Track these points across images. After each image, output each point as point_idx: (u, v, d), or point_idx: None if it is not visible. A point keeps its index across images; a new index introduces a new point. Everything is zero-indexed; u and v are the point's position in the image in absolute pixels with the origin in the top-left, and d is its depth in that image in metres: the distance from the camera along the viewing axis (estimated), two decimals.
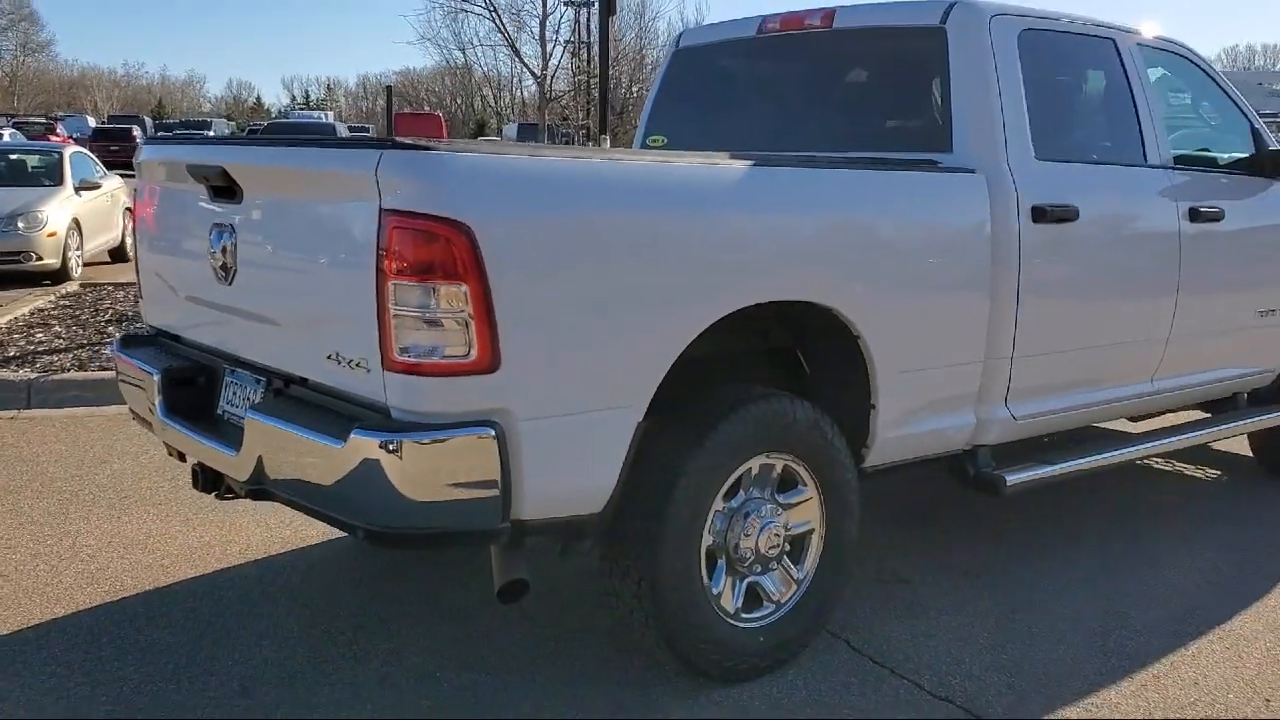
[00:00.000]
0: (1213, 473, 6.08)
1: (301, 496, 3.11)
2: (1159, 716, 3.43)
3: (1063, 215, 4.19)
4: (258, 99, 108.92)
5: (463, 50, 22.17)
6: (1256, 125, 5.31)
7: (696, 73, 5.17)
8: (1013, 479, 4.22)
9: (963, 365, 4.05)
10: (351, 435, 2.86)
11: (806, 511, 3.68)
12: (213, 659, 3.64)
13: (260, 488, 3.23)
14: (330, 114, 69.68)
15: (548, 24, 18.40)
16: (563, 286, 2.96)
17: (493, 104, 71.11)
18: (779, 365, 4.02)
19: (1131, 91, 4.70)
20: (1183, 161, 5.03)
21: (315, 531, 4.73)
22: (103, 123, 55.19)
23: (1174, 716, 3.44)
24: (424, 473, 2.86)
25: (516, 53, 20.78)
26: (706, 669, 3.47)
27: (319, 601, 4.15)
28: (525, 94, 62.14)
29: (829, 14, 4.64)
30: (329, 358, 3.07)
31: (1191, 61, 5.22)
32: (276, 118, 67.42)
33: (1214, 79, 5.29)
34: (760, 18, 4.92)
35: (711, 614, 3.44)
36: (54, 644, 3.73)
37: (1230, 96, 5.31)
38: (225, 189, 3.40)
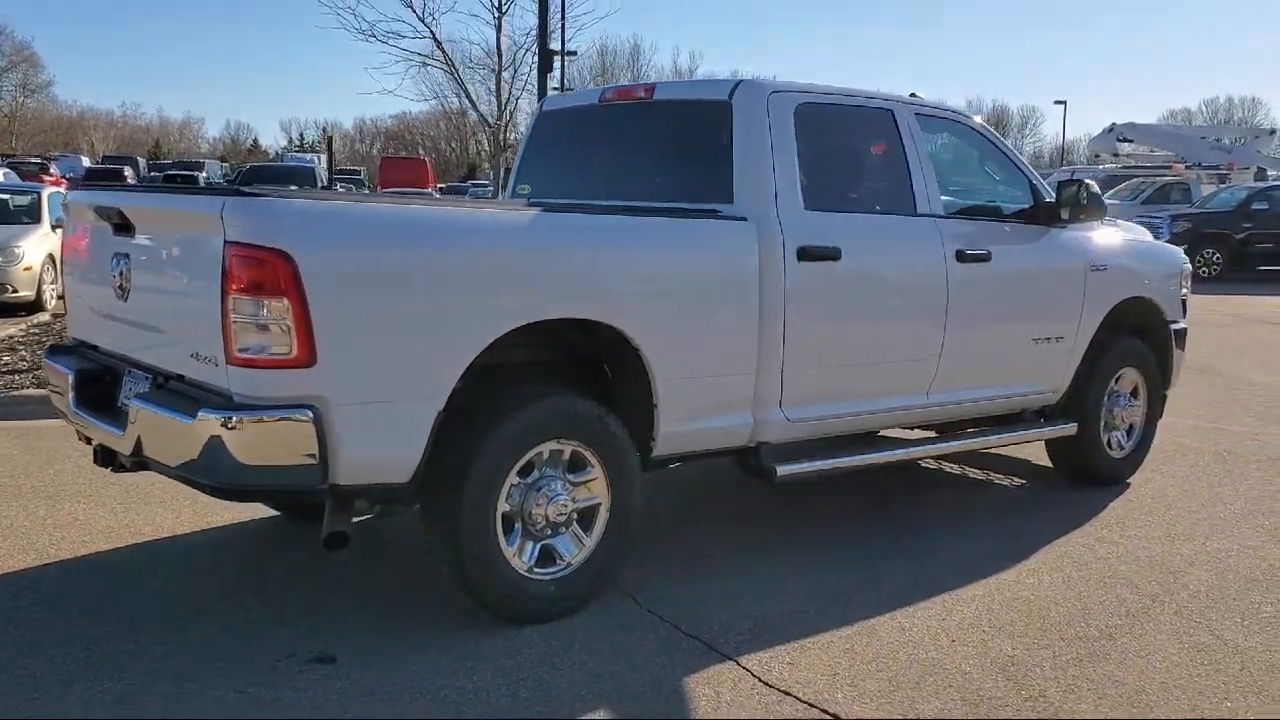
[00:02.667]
0: (1018, 480, 6.98)
1: (166, 463, 4.01)
2: (862, 653, 4.31)
3: (826, 255, 5.12)
4: (254, 141, 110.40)
5: (458, 97, 23.40)
6: (1034, 181, 6.27)
7: (556, 133, 6.12)
8: (783, 470, 5.13)
9: (736, 375, 4.96)
10: (199, 413, 3.77)
11: (594, 488, 4.58)
12: (104, 603, 4.53)
13: (140, 459, 4.14)
14: (322, 157, 71.02)
15: (512, 75, 19.47)
16: (370, 302, 3.88)
17: (486, 148, 72.32)
18: (592, 371, 4.91)
19: (905, 153, 5.65)
20: (968, 212, 5.99)
21: (220, 517, 5.62)
22: (97, 163, 56.40)
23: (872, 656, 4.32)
24: (255, 443, 3.76)
25: (473, 104, 21.81)
26: (500, 611, 4.36)
27: (206, 570, 5.03)
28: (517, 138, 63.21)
29: (651, 88, 5.61)
30: (193, 356, 3.98)
31: (972, 128, 6.19)
32: (272, 159, 68.73)
33: (994, 142, 6.25)
34: (603, 89, 5.88)
35: (505, 567, 4.32)
36: None
37: (1009, 157, 6.27)
38: (123, 225, 4.33)
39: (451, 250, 4.07)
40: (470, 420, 4.24)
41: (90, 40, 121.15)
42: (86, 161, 56.54)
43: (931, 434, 6.25)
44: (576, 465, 4.54)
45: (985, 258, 5.81)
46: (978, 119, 6.32)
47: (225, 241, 3.74)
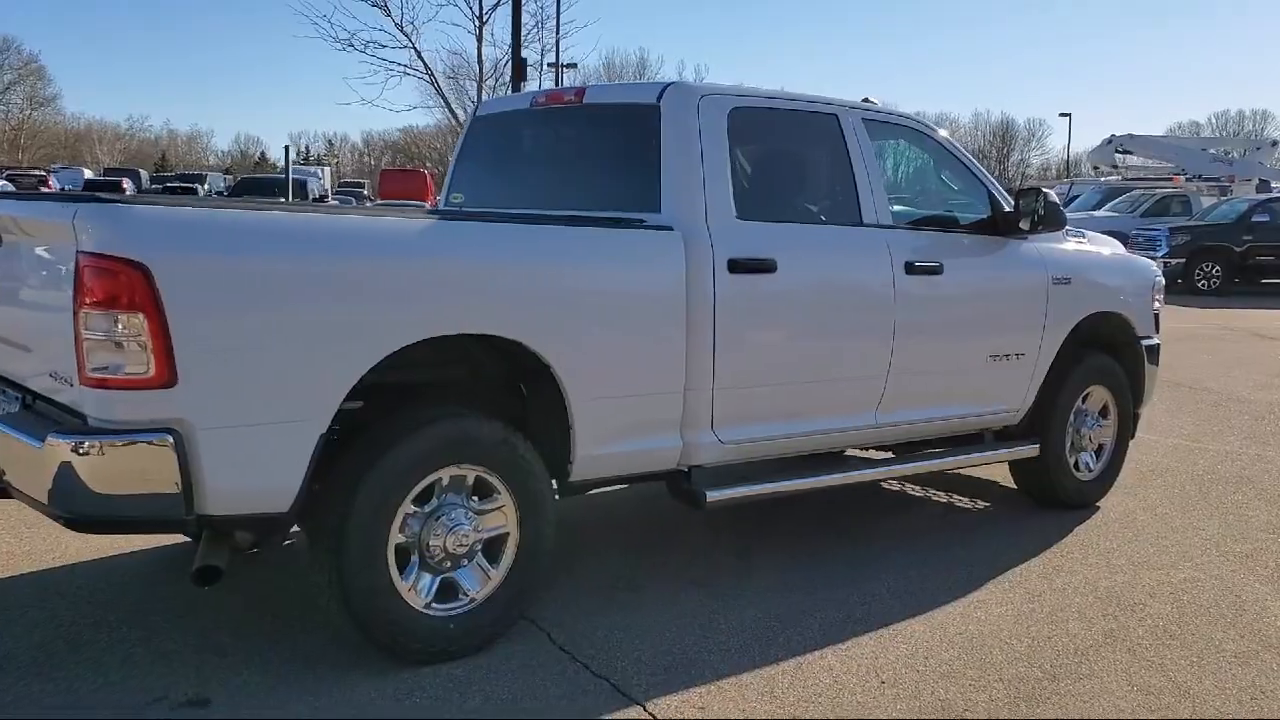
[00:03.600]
0: (982, 504, 6.66)
1: (26, 491, 3.71)
2: (783, 697, 3.99)
3: (759, 267, 4.82)
4: (262, 154, 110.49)
5: (442, 109, 23.10)
6: (993, 191, 5.96)
7: (490, 139, 5.84)
8: (713, 496, 4.82)
9: (661, 395, 4.66)
10: (48, 438, 3.47)
11: (501, 517, 4.27)
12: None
13: (3, 486, 3.84)
14: (326, 170, 70.84)
15: (494, 85, 19.18)
16: (237, 317, 3.58)
17: None
18: (512, 391, 4.61)
19: (850, 160, 5.34)
20: (920, 222, 5.70)
21: (130, 544, 5.32)
22: (100, 175, 56.34)
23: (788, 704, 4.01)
24: (109, 471, 3.46)
25: (453, 115, 21.55)
26: (394, 650, 4.05)
27: (98, 602, 4.73)
28: None
29: (581, 91, 5.32)
30: (51, 375, 3.69)
31: (927, 135, 5.88)
32: (279, 172, 68.66)
33: (951, 150, 5.94)
34: (535, 92, 5.60)
35: (398, 602, 4.02)
36: None
37: (967, 165, 5.96)
38: None
39: (330, 261, 3.77)
40: (358, 445, 3.95)
41: (98, 54, 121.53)
42: (88, 174, 56.50)
43: (879, 455, 5.93)
44: (483, 492, 4.24)
45: (937, 270, 5.51)
46: (942, 132, 6.00)
47: (78, 251, 3.45)
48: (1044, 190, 5.80)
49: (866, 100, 5.99)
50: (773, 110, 5.24)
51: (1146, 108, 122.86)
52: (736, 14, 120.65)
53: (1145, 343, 6.77)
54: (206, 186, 52.10)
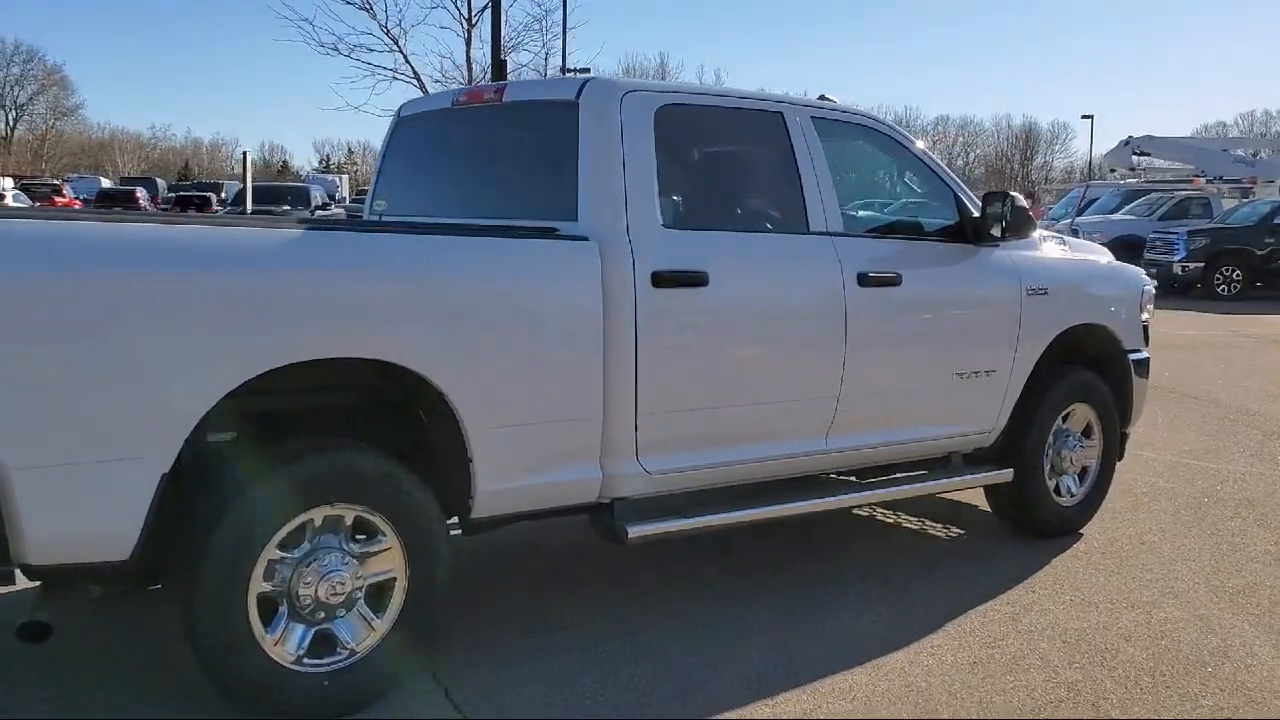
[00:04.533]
0: (956, 531, 6.18)
1: None
2: None
3: (688, 280, 4.38)
4: (284, 163, 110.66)
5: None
6: (959, 193, 5.49)
7: (413, 141, 5.41)
8: (634, 531, 4.38)
9: (576, 422, 4.22)
10: None
11: (387, 560, 3.84)
12: None
13: None
14: (344, 178, 70.74)
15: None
16: (54, 342, 3.16)
17: None
18: (411, 420, 4.18)
19: (796, 161, 4.89)
20: (878, 229, 5.25)
21: None
22: (117, 184, 56.32)
23: None
24: None
25: None
26: (261, 710, 3.62)
27: None
28: None
29: (501, 89, 4.90)
30: None
31: (886, 134, 5.42)
32: (301, 180, 68.49)
33: (913, 151, 5.47)
34: (457, 90, 5.17)
35: (259, 659, 3.58)
36: None
37: (930, 167, 5.49)
38: None
39: (167, 278, 3.34)
40: (211, 484, 3.53)
41: (122, 63, 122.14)
42: (105, 183, 56.49)
43: (847, 479, 5.43)
44: (364, 533, 3.81)
45: (894, 281, 5.05)
46: (913, 141, 5.52)
47: None
48: (1011, 194, 5.32)
49: (824, 98, 5.55)
50: (707, 108, 4.80)
51: (1173, 110, 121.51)
52: (758, 17, 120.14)
53: (1133, 356, 6.28)
54: (223, 195, 52.02)
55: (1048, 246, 5.91)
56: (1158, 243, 22.64)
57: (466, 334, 3.91)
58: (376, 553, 3.83)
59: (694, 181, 4.72)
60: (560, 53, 26.41)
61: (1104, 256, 6.39)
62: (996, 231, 5.33)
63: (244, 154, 15.02)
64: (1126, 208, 26.27)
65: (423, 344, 3.81)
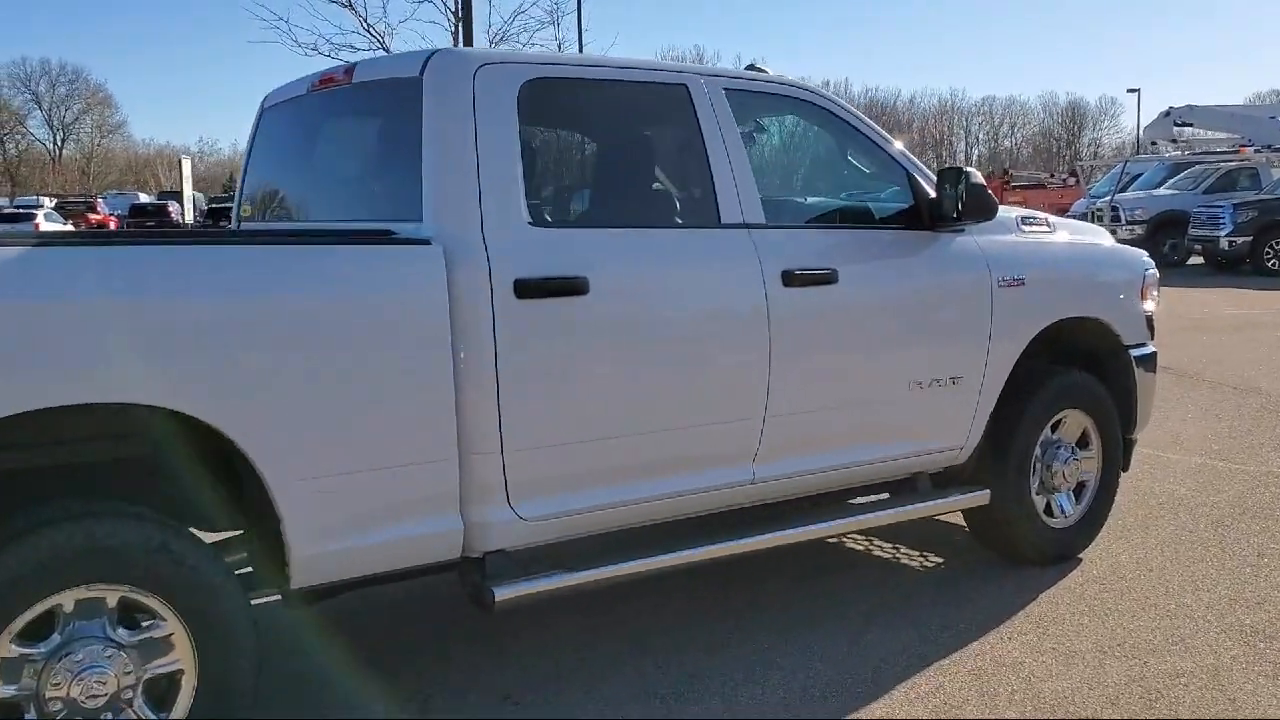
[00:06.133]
0: (934, 560, 5.37)
1: None
2: None
3: (562, 288, 3.64)
4: None
5: None
6: (914, 174, 4.70)
7: (275, 134, 4.71)
8: (504, 593, 3.65)
9: (420, 465, 3.50)
10: None
11: (169, 649, 3.14)
12: None
13: None
14: None
15: None
16: None
17: None
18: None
19: (704, 142, 4.12)
20: (813, 219, 4.48)
21: None
22: (154, 199, 56.44)
23: None
24: None
25: None
26: None
27: None
28: None
29: (351, 69, 4.17)
30: None
31: (821, 107, 4.62)
32: None
33: (856, 126, 4.67)
34: (316, 74, 4.45)
35: None
36: None
37: (877, 143, 4.69)
38: None
39: None
40: None
41: (167, 80, 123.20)
42: (144, 198, 56.66)
43: (768, 519, 4.62)
44: (137, 617, 3.11)
45: (828, 279, 4.27)
46: (857, 114, 4.72)
47: None
48: (966, 171, 4.50)
49: (753, 68, 4.77)
50: (589, 82, 4.03)
51: (1223, 80, 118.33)
52: (800, 4, 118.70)
53: (1136, 352, 5.44)
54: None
55: (1027, 229, 5.09)
56: (1203, 217, 21.47)
57: (260, 367, 3.19)
58: (153, 640, 3.12)
59: (572, 170, 4.00)
60: (576, 44, 25.61)
61: (1099, 238, 5.55)
62: (957, 214, 4.52)
63: (180, 160, 14.41)
64: (1170, 181, 25.04)
65: (202, 383, 3.10)
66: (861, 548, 5.54)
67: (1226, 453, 7.30)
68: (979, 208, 4.47)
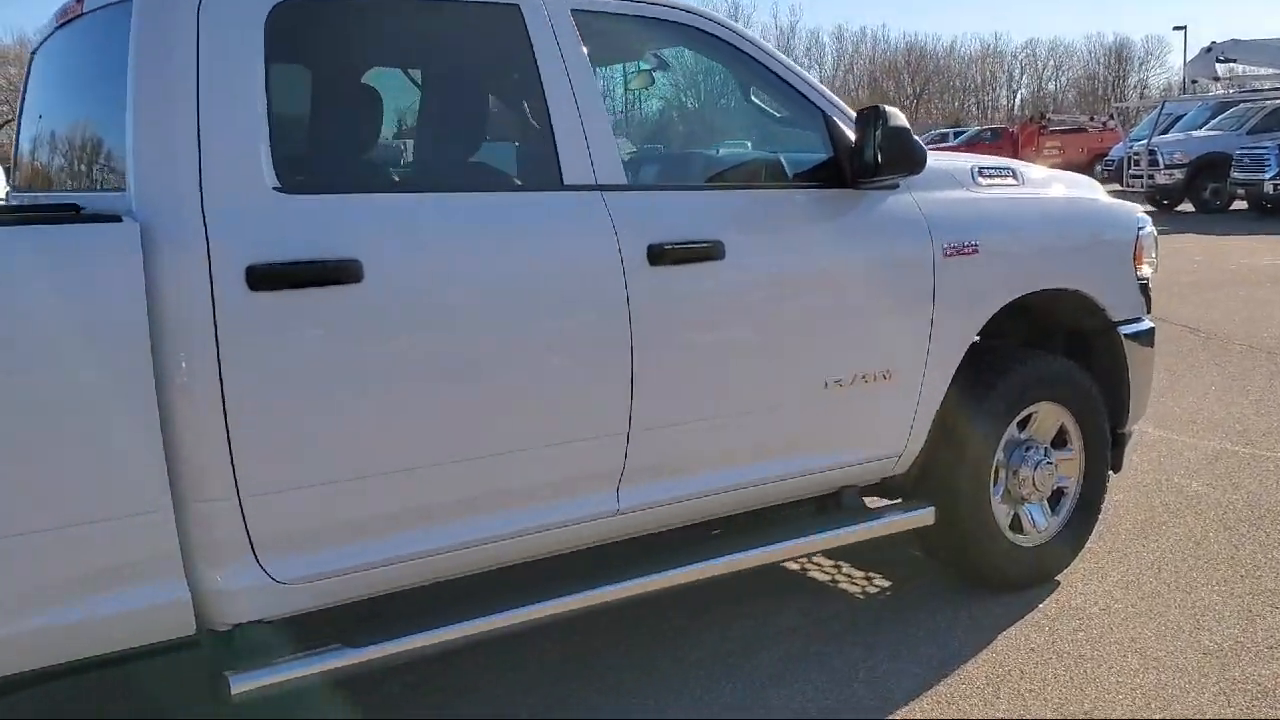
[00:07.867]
0: (880, 584, 4.45)
1: None
2: None
3: (318, 276, 2.76)
4: None
5: None
6: (833, 118, 3.74)
7: (36, 84, 3.83)
8: (241, 684, 2.78)
9: (117, 520, 2.63)
10: None
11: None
12: None
13: None
14: None
15: None
16: None
17: None
18: None
19: (541, 80, 3.19)
20: (714, 178, 3.55)
21: None
22: None
23: None
24: None
25: None
26: None
27: None
28: None
29: None
30: None
31: (712, 34, 3.65)
32: None
33: (757, 57, 3.70)
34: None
35: None
36: None
37: (787, 80, 3.73)
38: None
39: None
40: None
41: None
42: None
43: (645, 559, 3.71)
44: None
45: (710, 253, 3.35)
46: (760, 44, 3.76)
47: None
48: (885, 110, 3.53)
49: None
50: (373, 4, 3.10)
51: (1273, 13, 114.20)
52: None
53: (1128, 329, 4.47)
54: None
55: (985, 182, 4.13)
56: (1245, 159, 20.13)
57: None
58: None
59: (351, 119, 3.06)
60: None
61: (1077, 191, 4.56)
62: (874, 166, 3.57)
63: None
64: (1213, 121, 23.63)
65: None
66: (796, 566, 4.63)
67: (1251, 435, 6.29)
68: (900, 157, 3.51)
